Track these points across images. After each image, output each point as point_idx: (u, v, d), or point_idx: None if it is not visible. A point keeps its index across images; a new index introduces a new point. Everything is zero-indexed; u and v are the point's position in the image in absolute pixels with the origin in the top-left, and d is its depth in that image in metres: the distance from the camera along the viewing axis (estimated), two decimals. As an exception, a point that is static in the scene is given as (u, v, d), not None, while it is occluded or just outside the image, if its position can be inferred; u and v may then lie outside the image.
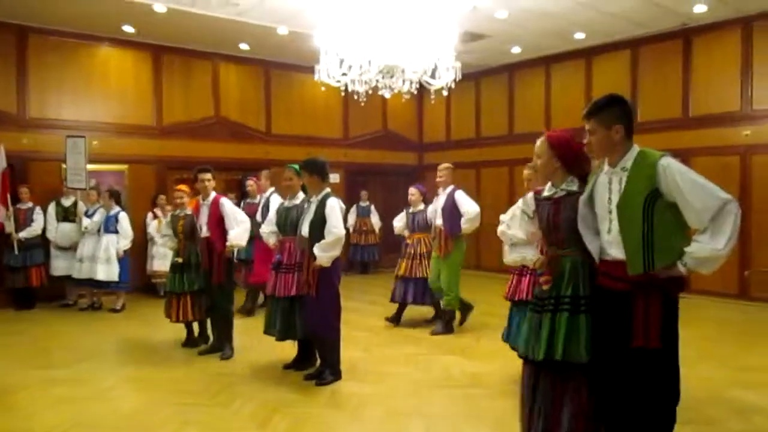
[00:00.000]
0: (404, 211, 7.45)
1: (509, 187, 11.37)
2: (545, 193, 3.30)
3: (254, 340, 6.29)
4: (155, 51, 9.89)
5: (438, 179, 6.96)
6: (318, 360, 5.34)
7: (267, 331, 5.45)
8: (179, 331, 6.61)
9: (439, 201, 6.88)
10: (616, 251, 2.86)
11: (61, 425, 4.22)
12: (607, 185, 2.92)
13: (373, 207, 11.87)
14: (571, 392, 3.06)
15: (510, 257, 3.61)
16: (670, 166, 2.71)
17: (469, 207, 6.71)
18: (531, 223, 3.42)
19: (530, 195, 3.41)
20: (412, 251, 7.19)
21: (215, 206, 5.94)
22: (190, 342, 6.43)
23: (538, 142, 3.30)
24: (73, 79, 9.23)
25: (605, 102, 2.92)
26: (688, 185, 2.68)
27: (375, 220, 11.82)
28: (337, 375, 5.14)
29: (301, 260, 5.12)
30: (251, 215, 7.58)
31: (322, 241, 4.91)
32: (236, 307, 7.04)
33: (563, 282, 3.12)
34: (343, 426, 4.25)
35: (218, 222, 5.91)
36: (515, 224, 3.52)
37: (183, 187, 6.39)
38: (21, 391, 4.98)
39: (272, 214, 5.66)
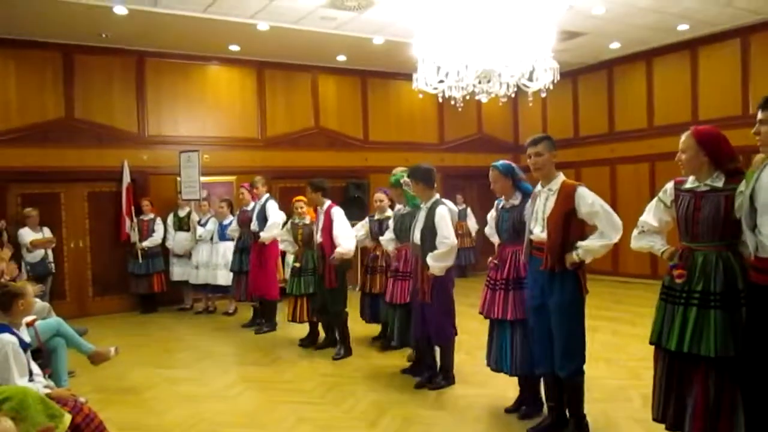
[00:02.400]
0: (367, 218, 6.83)
1: (611, 186, 11.05)
2: (687, 185, 3.29)
3: (362, 343, 6.49)
4: (259, 67, 10.38)
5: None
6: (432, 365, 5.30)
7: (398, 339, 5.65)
8: (289, 332, 6.94)
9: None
10: None
11: (187, 421, 4.57)
12: None
13: (469, 210, 11.86)
14: (697, 386, 3.11)
15: (637, 244, 3.55)
16: None
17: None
18: (666, 212, 3.40)
19: (671, 184, 3.40)
20: (384, 264, 6.41)
21: (328, 215, 6.25)
22: (308, 340, 6.79)
23: (684, 136, 3.27)
24: (185, 98, 9.86)
25: None
26: None
27: (471, 223, 11.82)
28: (450, 380, 5.16)
29: (416, 267, 5.14)
30: (245, 223, 7.79)
31: (435, 252, 4.87)
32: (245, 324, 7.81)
33: (694, 276, 3.15)
34: (451, 427, 4.33)
35: (330, 229, 6.21)
36: (649, 211, 3.49)
37: (302, 198, 6.88)
38: (149, 389, 5.41)
39: (391, 222, 5.78)
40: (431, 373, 5.21)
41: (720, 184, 3.15)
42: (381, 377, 5.51)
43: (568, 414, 3.99)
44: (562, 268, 3.77)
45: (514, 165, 4.38)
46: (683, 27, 9.28)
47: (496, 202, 4.51)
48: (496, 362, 4.34)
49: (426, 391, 5.06)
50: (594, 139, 11.47)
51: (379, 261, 6.48)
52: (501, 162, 4.39)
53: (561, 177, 3.95)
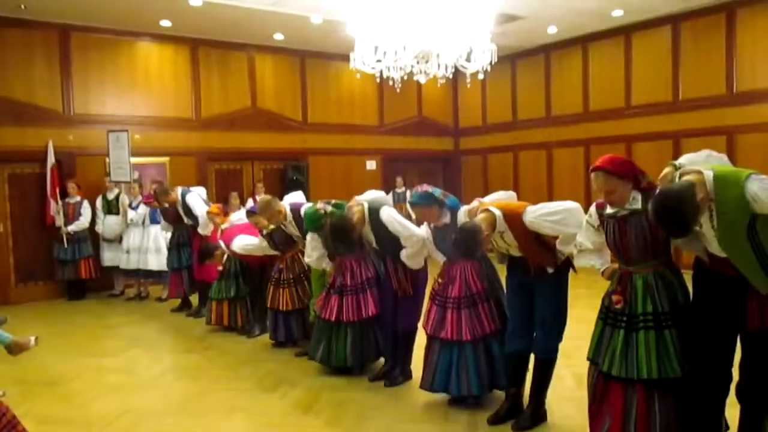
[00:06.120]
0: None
1: (547, 170, 11.23)
2: (609, 210, 3.18)
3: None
4: (192, 44, 10.02)
5: None
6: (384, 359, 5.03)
7: (327, 362, 5.00)
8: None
9: None
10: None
11: (113, 412, 4.39)
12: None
13: (408, 193, 11.84)
14: (641, 406, 3.07)
15: (578, 263, 3.55)
16: (758, 195, 2.62)
17: None
18: (596, 234, 3.32)
19: (593, 209, 3.29)
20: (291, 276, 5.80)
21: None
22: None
23: (600, 177, 3.09)
24: (115, 75, 9.42)
25: None
26: None
27: (412, 206, 11.81)
28: (407, 375, 4.83)
29: (390, 270, 4.73)
30: (175, 219, 7.62)
31: (407, 252, 4.47)
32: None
33: (638, 300, 3.09)
34: (385, 409, 4.31)
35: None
36: (583, 232, 3.42)
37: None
38: (75, 379, 5.19)
39: (310, 237, 5.14)
40: (390, 366, 4.88)
41: (638, 206, 3.07)
42: (314, 362, 5.41)
43: (528, 400, 3.94)
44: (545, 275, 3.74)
45: (430, 189, 4.13)
46: (618, 13, 9.45)
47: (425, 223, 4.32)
48: (444, 384, 4.12)
49: (359, 375, 4.97)
50: (532, 123, 11.62)
51: (283, 274, 5.76)
52: (417, 194, 4.12)
53: (497, 214, 3.62)
